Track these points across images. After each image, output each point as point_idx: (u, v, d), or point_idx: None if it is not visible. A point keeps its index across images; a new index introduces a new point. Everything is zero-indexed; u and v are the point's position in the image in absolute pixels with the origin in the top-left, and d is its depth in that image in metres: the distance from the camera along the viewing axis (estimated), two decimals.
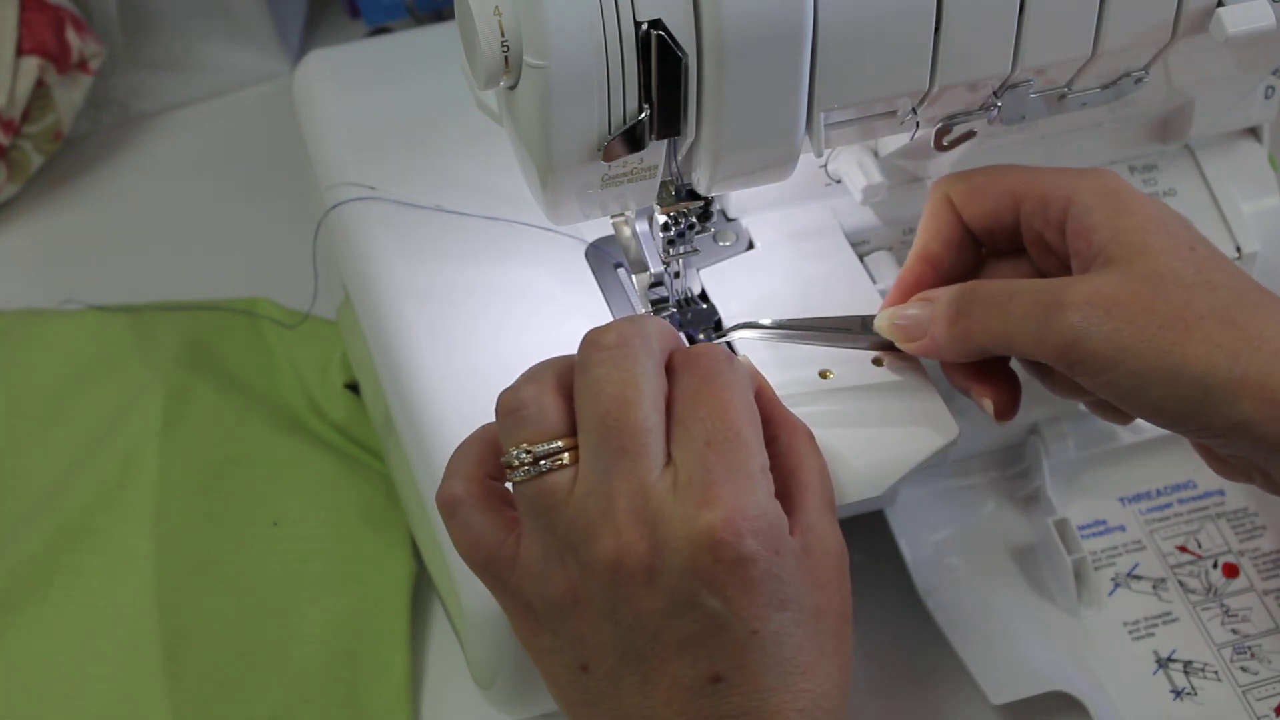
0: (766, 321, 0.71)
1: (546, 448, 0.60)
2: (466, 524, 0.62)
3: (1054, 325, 0.63)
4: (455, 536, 0.63)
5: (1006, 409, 0.68)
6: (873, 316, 0.70)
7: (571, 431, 0.60)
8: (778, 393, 0.70)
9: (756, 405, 0.64)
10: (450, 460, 0.64)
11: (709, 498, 0.58)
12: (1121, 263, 0.64)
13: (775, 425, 0.64)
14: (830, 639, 0.60)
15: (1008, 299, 0.65)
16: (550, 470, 0.60)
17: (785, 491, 0.62)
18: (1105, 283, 0.63)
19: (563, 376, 0.62)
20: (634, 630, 0.59)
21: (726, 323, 0.73)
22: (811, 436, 0.65)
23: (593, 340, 0.61)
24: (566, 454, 0.60)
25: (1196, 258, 0.64)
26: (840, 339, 0.71)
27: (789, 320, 0.71)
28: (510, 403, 0.61)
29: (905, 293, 0.70)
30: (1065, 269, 0.67)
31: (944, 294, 0.67)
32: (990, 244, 0.70)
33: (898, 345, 0.69)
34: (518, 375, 0.69)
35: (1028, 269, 0.70)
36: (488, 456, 0.63)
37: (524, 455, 0.60)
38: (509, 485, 0.62)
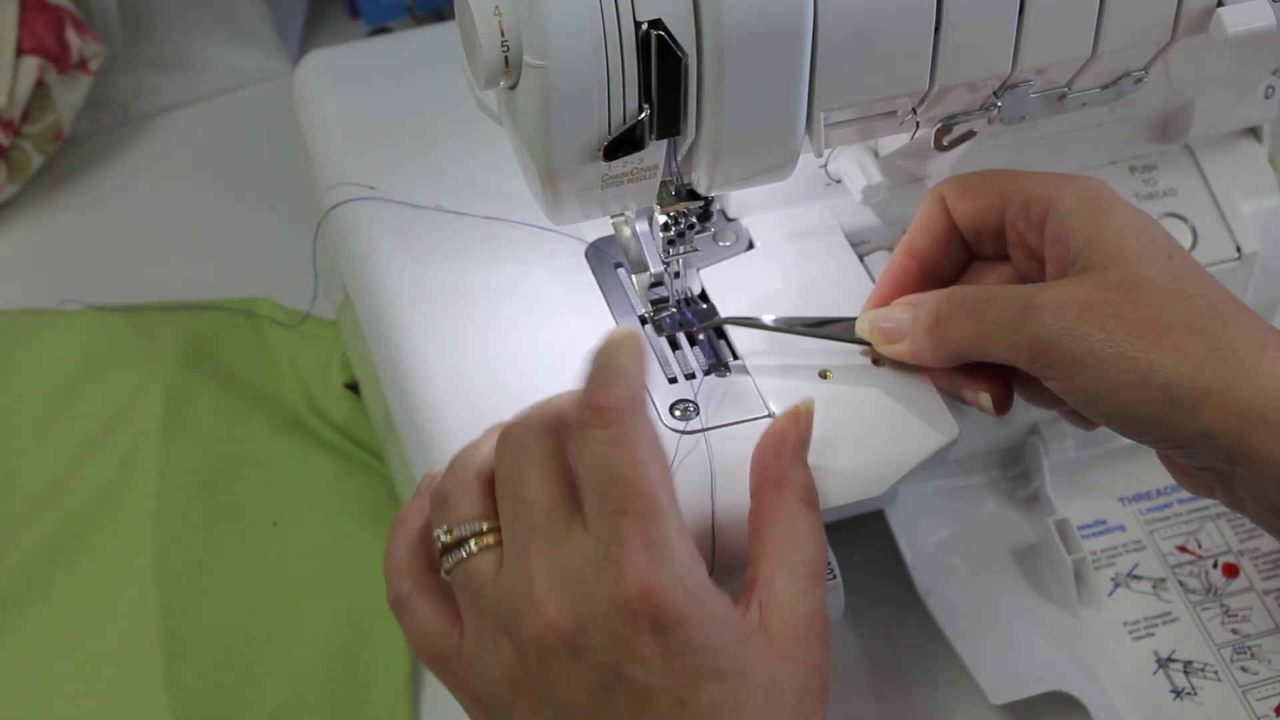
0: (769, 320, 0.71)
1: (467, 529, 0.61)
2: (413, 618, 0.63)
3: (1026, 328, 0.64)
4: (406, 632, 0.64)
5: (1003, 401, 0.68)
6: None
7: (495, 515, 0.61)
8: (776, 392, 0.70)
9: (760, 451, 0.65)
10: (390, 560, 0.65)
11: (624, 569, 0.57)
12: (1096, 269, 0.64)
13: (762, 477, 0.64)
14: (787, 713, 0.59)
15: (985, 303, 0.65)
16: (476, 553, 0.61)
17: (752, 553, 0.62)
18: (1078, 288, 0.64)
19: (486, 465, 0.63)
20: (570, 710, 0.58)
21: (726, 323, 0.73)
22: (802, 499, 0.64)
23: (502, 434, 0.62)
24: (491, 535, 0.61)
25: (1173, 266, 0.64)
26: (827, 335, 0.71)
27: (778, 320, 0.71)
28: (439, 493, 0.63)
29: (889, 286, 0.70)
30: (1045, 273, 0.67)
31: (926, 300, 0.68)
32: (976, 245, 0.71)
33: (878, 349, 0.69)
34: (517, 375, 0.70)
35: (1011, 274, 0.70)
36: (428, 550, 0.64)
37: (445, 537, 0.61)
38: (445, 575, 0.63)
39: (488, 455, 0.63)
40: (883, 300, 0.70)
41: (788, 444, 0.65)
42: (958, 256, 0.71)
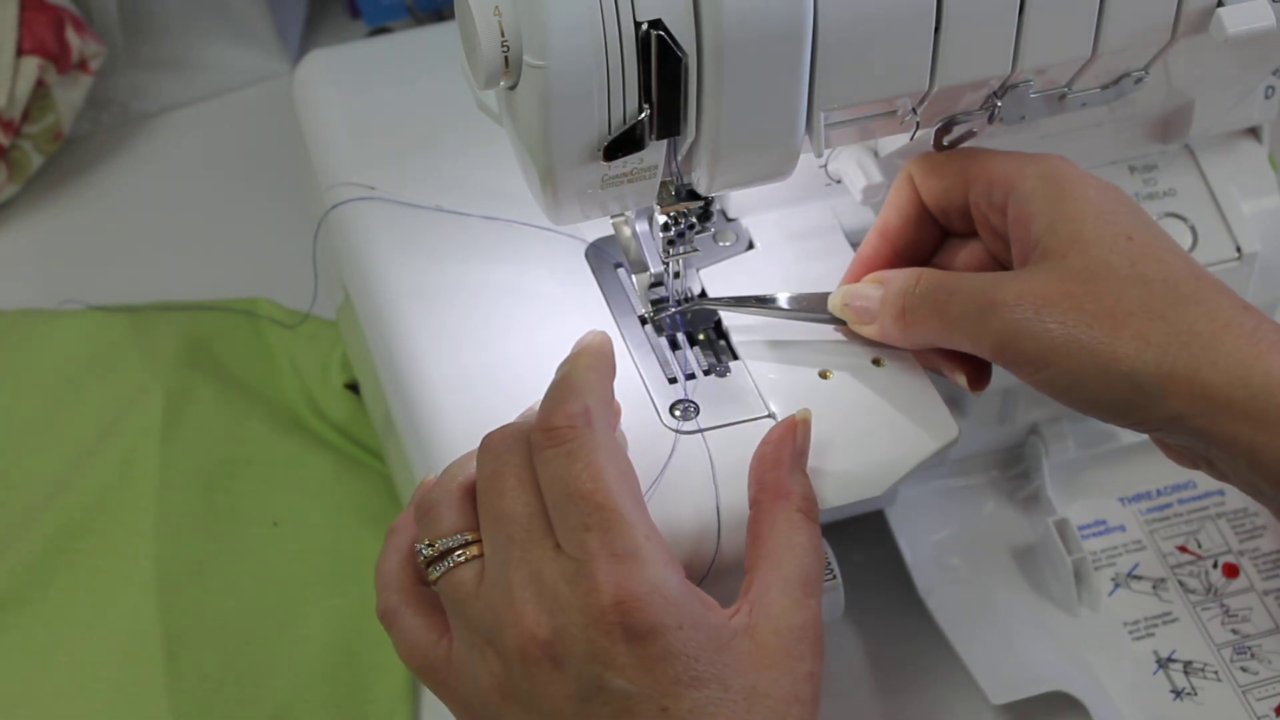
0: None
1: (450, 542, 0.62)
2: (403, 630, 0.63)
3: (989, 325, 0.64)
4: (396, 644, 0.64)
5: (978, 380, 0.68)
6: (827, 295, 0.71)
7: (478, 526, 0.62)
8: (776, 392, 0.70)
9: (759, 461, 0.65)
10: (380, 573, 0.65)
11: (596, 583, 0.57)
12: (1056, 256, 0.64)
13: (760, 486, 0.64)
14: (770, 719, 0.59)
15: (947, 297, 0.65)
16: (460, 564, 0.61)
17: (749, 562, 0.62)
18: (1037, 281, 0.63)
19: (472, 476, 0.63)
20: (556, 718, 0.59)
21: (726, 323, 0.73)
22: (801, 509, 0.64)
23: (482, 444, 0.63)
24: (474, 546, 0.61)
25: (1132, 249, 0.64)
26: (803, 317, 0.71)
27: (746, 297, 0.72)
28: (424, 504, 0.63)
29: (861, 266, 0.71)
30: (1011, 254, 0.67)
31: (894, 280, 0.68)
32: (946, 223, 0.71)
33: (852, 327, 0.70)
34: (517, 375, 0.70)
35: (983, 251, 0.70)
36: (414, 561, 0.64)
37: (428, 550, 0.62)
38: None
39: (474, 466, 0.63)
40: (854, 280, 0.70)
41: (786, 453, 0.65)
42: (930, 234, 0.71)
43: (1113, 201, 0.65)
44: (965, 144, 0.70)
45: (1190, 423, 0.62)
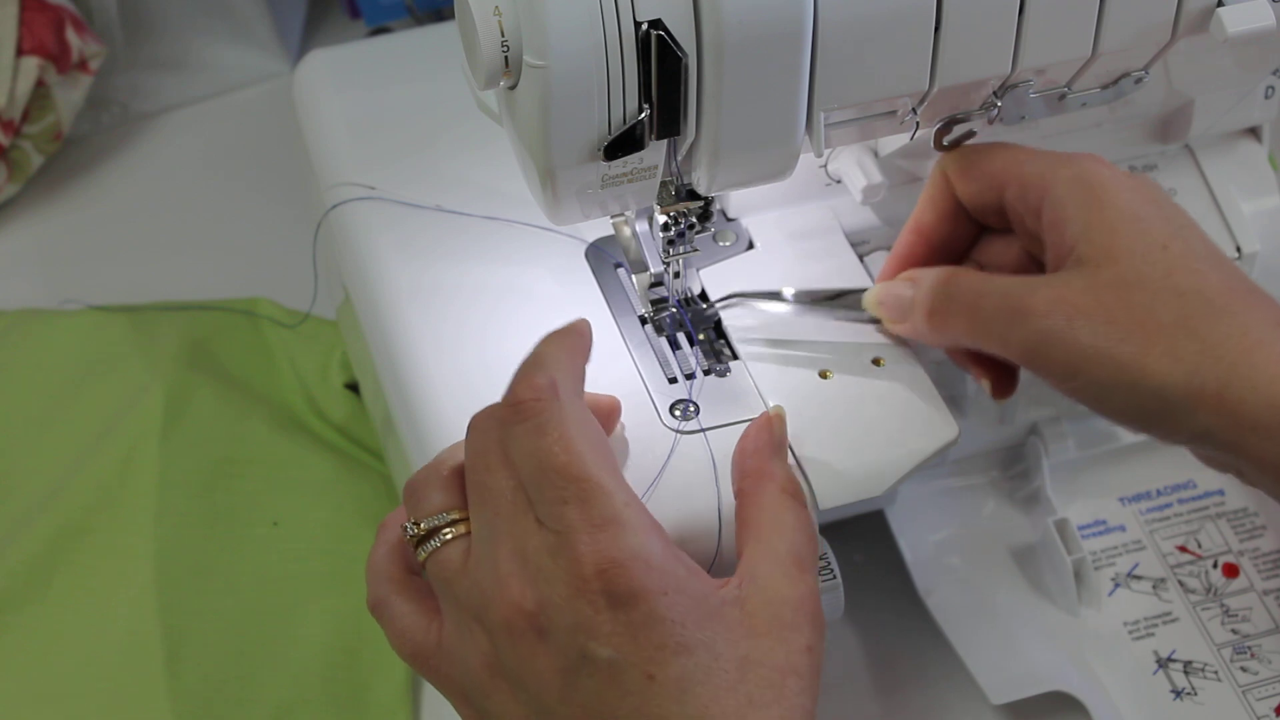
0: (786, 293, 0.71)
1: (436, 520, 0.62)
2: (392, 618, 0.63)
3: (1019, 331, 0.64)
4: (387, 633, 0.64)
5: (1003, 387, 0.68)
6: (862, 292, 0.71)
7: (466, 505, 0.62)
8: (776, 391, 0.70)
9: (740, 453, 0.65)
10: (371, 565, 0.65)
11: (578, 554, 0.57)
12: (1090, 265, 0.63)
13: (744, 474, 0.64)
14: (765, 690, 0.58)
15: (977, 298, 0.65)
16: (447, 542, 0.61)
17: (740, 546, 0.62)
18: (1070, 289, 0.63)
19: (461, 459, 0.63)
20: (544, 694, 0.58)
21: (726, 322, 0.73)
22: (785, 489, 0.63)
23: (471, 422, 0.62)
24: (462, 525, 0.61)
25: (1167, 259, 0.63)
26: (837, 313, 0.71)
27: (791, 294, 0.72)
28: (410, 486, 0.63)
29: (896, 263, 0.71)
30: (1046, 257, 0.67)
31: (927, 279, 0.68)
32: (983, 220, 0.70)
33: (886, 325, 0.70)
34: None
35: (1020, 248, 0.70)
36: (408, 554, 0.64)
37: (414, 529, 0.62)
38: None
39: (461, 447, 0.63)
40: (889, 277, 0.70)
41: (765, 444, 0.65)
42: (965, 231, 0.71)
43: (1148, 205, 0.65)
44: (964, 143, 0.70)
45: (1219, 438, 0.62)
